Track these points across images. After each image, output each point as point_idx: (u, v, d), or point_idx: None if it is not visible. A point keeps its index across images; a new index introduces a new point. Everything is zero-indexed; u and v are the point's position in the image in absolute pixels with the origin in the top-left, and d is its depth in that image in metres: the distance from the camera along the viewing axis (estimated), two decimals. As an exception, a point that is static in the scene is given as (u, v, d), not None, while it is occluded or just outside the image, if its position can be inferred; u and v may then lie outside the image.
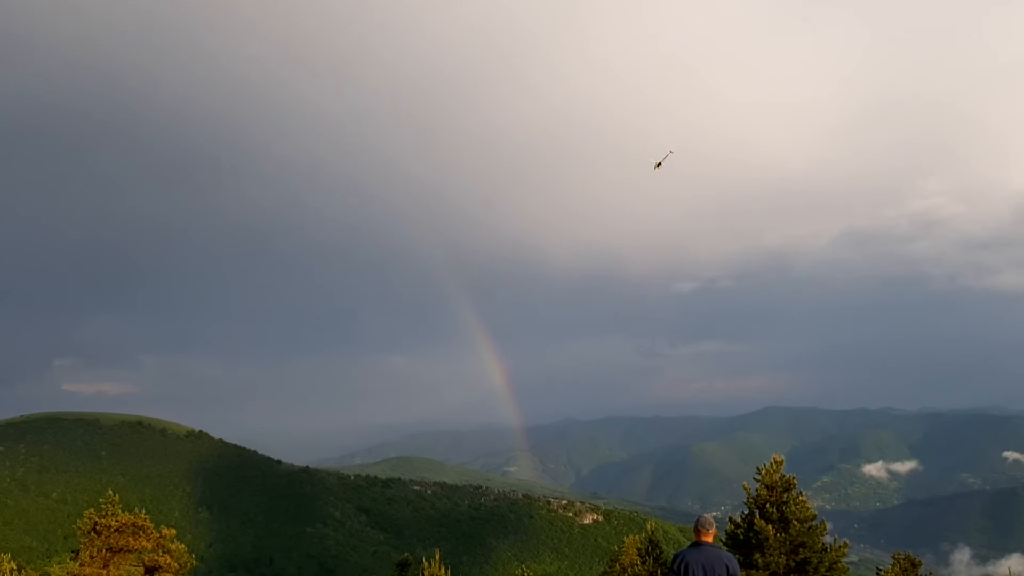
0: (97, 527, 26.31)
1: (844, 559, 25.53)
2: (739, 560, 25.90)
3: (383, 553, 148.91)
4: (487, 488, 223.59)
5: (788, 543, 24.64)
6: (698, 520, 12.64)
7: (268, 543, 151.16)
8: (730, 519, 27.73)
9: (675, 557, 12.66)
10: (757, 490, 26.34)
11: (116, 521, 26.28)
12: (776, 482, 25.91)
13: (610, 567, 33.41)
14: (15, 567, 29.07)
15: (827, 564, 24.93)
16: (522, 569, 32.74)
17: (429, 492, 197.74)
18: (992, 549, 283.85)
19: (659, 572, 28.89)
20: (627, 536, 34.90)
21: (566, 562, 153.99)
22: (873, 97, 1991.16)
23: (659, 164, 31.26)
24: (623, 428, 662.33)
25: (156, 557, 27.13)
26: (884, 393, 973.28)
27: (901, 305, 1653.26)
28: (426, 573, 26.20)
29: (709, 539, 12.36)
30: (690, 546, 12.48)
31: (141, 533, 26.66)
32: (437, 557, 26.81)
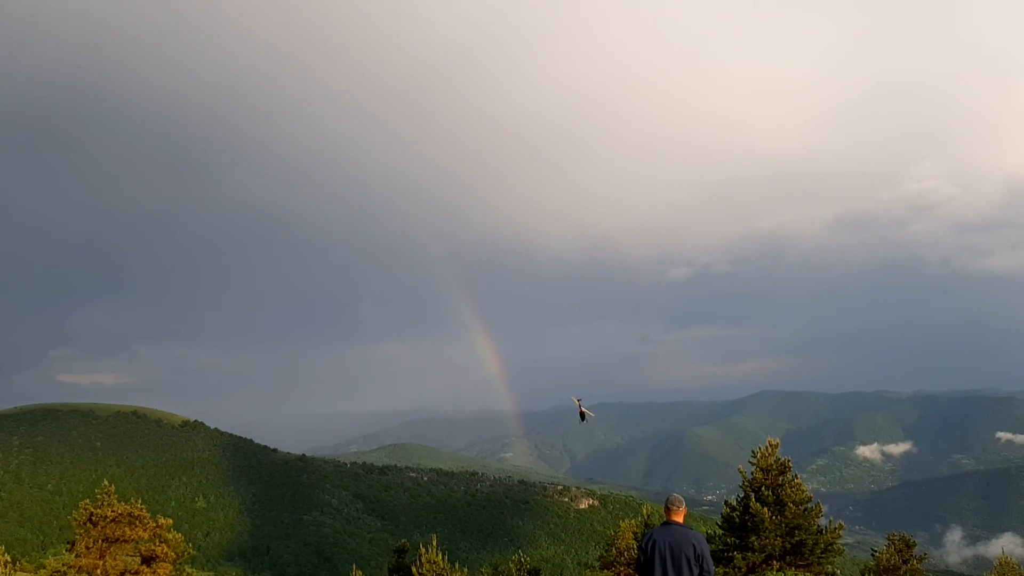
0: (93, 518, 26.27)
1: (839, 541, 25.73)
2: (735, 543, 26.05)
3: (380, 540, 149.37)
4: (483, 474, 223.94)
5: (784, 525, 24.78)
6: (668, 499, 12.56)
7: (265, 531, 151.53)
8: (726, 502, 27.88)
9: (644, 535, 12.80)
10: (752, 473, 26.47)
11: (112, 511, 26.24)
12: (771, 465, 26.04)
13: (606, 551, 33.61)
14: (10, 559, 29.02)
15: (822, 546, 25.11)
16: (519, 554, 32.83)
17: (425, 479, 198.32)
18: (985, 529, 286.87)
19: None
20: (623, 520, 35.06)
21: (562, 547, 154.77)
22: (867, 80, 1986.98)
23: (579, 405, 32.93)
24: (618, 413, 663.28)
25: (153, 547, 27.12)
26: (878, 376, 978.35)
27: (895, 288, 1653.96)
28: (423, 559, 26.29)
29: (679, 518, 12.27)
30: (660, 525, 12.46)
31: (137, 523, 26.64)
32: (434, 543, 26.91)
